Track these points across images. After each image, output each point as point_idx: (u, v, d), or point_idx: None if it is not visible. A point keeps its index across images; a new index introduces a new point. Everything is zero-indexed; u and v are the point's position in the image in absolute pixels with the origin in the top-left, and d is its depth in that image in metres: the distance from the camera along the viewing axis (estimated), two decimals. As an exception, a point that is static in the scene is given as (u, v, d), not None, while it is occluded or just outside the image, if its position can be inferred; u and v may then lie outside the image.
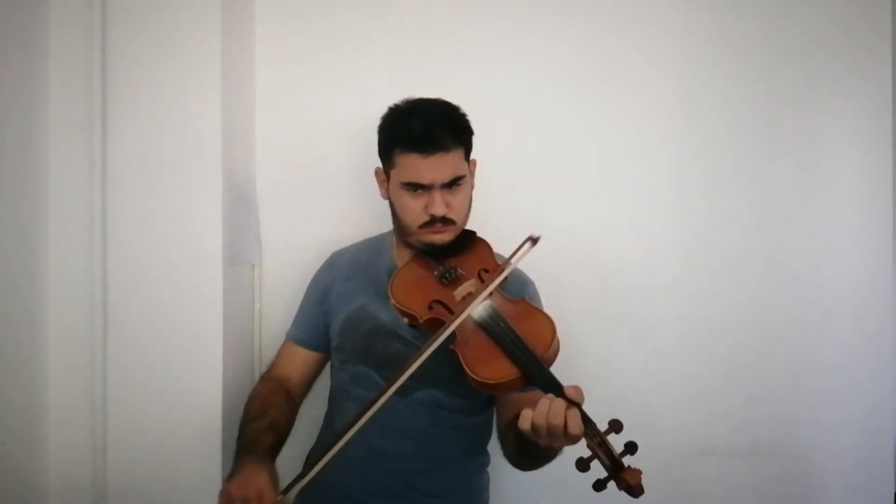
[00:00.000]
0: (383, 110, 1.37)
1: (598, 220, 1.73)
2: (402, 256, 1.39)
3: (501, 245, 1.34)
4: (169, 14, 1.45)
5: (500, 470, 1.44)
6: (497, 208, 1.61)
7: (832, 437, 1.73)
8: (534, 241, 1.24)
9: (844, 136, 1.75)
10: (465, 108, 1.69)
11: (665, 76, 1.73)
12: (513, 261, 1.23)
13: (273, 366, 1.45)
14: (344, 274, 1.44)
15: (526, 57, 1.72)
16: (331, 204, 1.69)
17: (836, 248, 1.74)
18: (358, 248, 1.50)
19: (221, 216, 1.46)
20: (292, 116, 1.69)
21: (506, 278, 1.25)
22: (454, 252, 1.34)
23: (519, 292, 1.33)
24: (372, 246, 1.48)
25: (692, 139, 1.73)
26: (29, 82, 1.41)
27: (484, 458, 1.44)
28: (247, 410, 1.34)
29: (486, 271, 1.29)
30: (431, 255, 1.33)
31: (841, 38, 1.73)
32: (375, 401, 1.15)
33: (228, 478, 1.18)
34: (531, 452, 1.20)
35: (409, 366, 1.15)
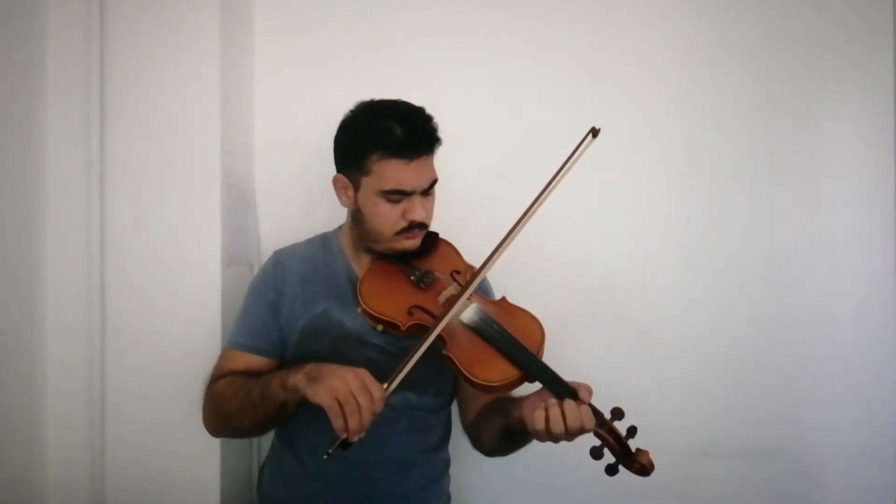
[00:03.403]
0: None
1: (598, 222, 1.73)
2: (359, 261, 1.33)
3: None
4: (168, 15, 1.46)
5: (459, 469, 1.46)
6: (496, 210, 1.60)
7: (833, 437, 1.72)
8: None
9: (846, 137, 1.74)
10: (465, 108, 1.70)
11: (665, 76, 1.72)
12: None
13: (216, 371, 1.30)
14: (297, 276, 1.32)
15: (526, 58, 1.72)
16: (330, 204, 1.68)
17: (838, 248, 1.73)
18: (308, 248, 1.39)
19: (220, 216, 1.46)
20: (292, 116, 1.69)
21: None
22: (420, 255, 1.29)
23: (483, 289, 1.31)
24: (322, 246, 1.39)
25: (692, 140, 1.73)
26: (27, 83, 1.41)
27: (447, 456, 1.42)
28: (228, 396, 1.21)
29: (458, 272, 1.27)
30: (398, 259, 1.28)
31: (842, 37, 1.73)
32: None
33: (309, 382, 1.07)
34: (517, 443, 1.21)
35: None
